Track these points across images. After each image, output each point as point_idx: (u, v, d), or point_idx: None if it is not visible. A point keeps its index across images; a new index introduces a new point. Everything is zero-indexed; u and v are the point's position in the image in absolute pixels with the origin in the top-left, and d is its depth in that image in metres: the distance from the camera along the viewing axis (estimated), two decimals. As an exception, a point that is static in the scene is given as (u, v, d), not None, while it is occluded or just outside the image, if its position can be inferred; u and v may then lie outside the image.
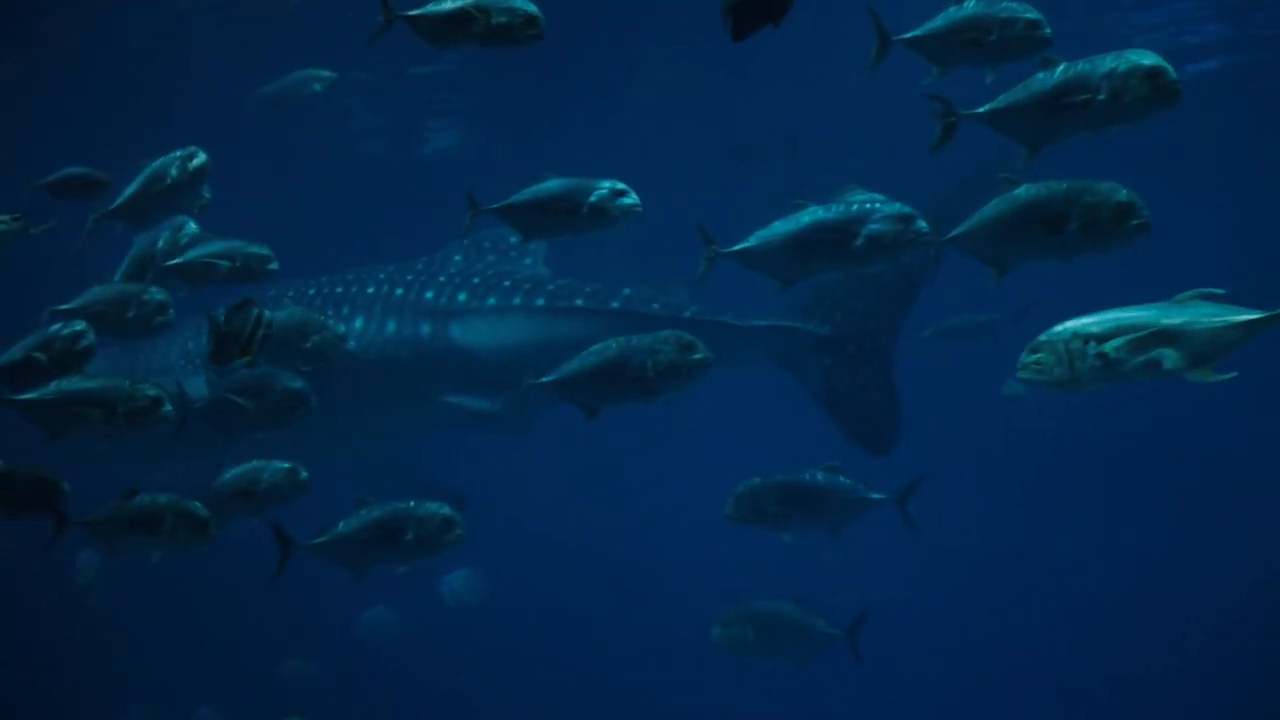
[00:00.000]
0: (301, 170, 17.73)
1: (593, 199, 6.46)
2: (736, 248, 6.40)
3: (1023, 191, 5.74)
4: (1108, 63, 5.42)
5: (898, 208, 6.13)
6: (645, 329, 10.04)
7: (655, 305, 10.60)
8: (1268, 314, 5.05)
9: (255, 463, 7.32)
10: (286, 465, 7.26)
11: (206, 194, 7.80)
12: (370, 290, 11.03)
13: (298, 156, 17.17)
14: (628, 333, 10.24)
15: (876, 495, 8.03)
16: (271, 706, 13.72)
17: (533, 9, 5.93)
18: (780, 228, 6.32)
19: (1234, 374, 5.09)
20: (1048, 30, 5.82)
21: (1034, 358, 5.28)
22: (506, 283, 10.90)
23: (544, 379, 6.77)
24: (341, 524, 7.26)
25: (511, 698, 17.02)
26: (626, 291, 10.72)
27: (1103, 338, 5.15)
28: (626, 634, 18.18)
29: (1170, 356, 5.10)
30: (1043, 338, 5.28)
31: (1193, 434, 22.17)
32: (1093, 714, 17.42)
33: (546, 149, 17.55)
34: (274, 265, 7.44)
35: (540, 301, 10.67)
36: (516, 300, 10.75)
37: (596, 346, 6.74)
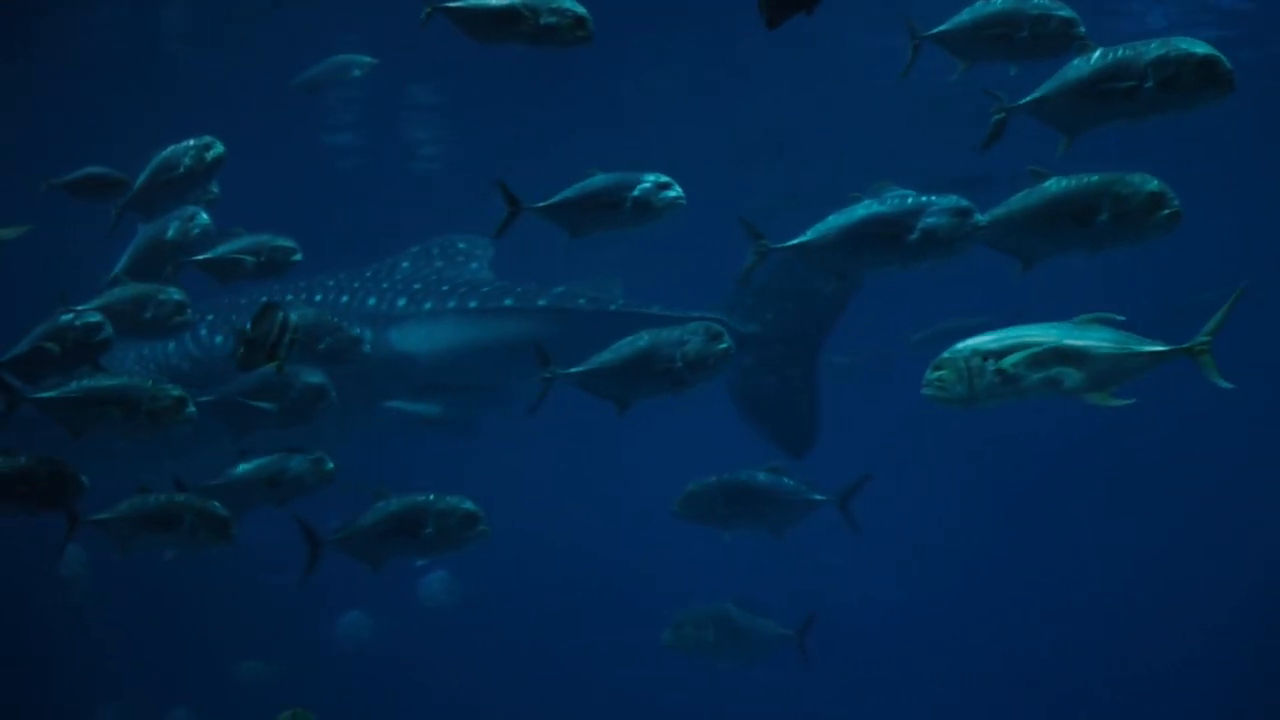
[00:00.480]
0: (292, 174, 17.66)
1: (636, 193, 6.36)
2: (790, 243, 6.23)
3: (1052, 184, 5.71)
4: (1154, 50, 5.34)
5: (954, 201, 5.94)
6: (572, 324, 10.54)
7: (582, 300, 10.76)
8: (1171, 348, 5.21)
9: (280, 452, 7.27)
10: (313, 455, 7.20)
11: (214, 188, 7.75)
12: (318, 298, 11.15)
13: (289, 161, 17.11)
14: (557, 329, 10.62)
15: (819, 496, 8.07)
16: (247, 707, 13.69)
17: (582, 10, 5.83)
18: (834, 221, 6.13)
19: (1133, 400, 5.21)
20: (1083, 28, 5.76)
21: (936, 375, 5.36)
22: (445, 287, 11.09)
23: (572, 370, 6.69)
24: (360, 518, 7.22)
25: (505, 699, 16.99)
26: (558, 289, 10.90)
27: (1000, 354, 5.26)
28: (611, 633, 18.17)
29: (1071, 376, 5.22)
30: (945, 355, 5.36)
31: (1196, 434, 22.24)
32: (1093, 714, 17.47)
33: (534, 153, 17.58)
34: (298, 257, 7.41)
35: (473, 304, 10.87)
36: (451, 304, 10.92)
37: (625, 339, 6.67)
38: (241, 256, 7.34)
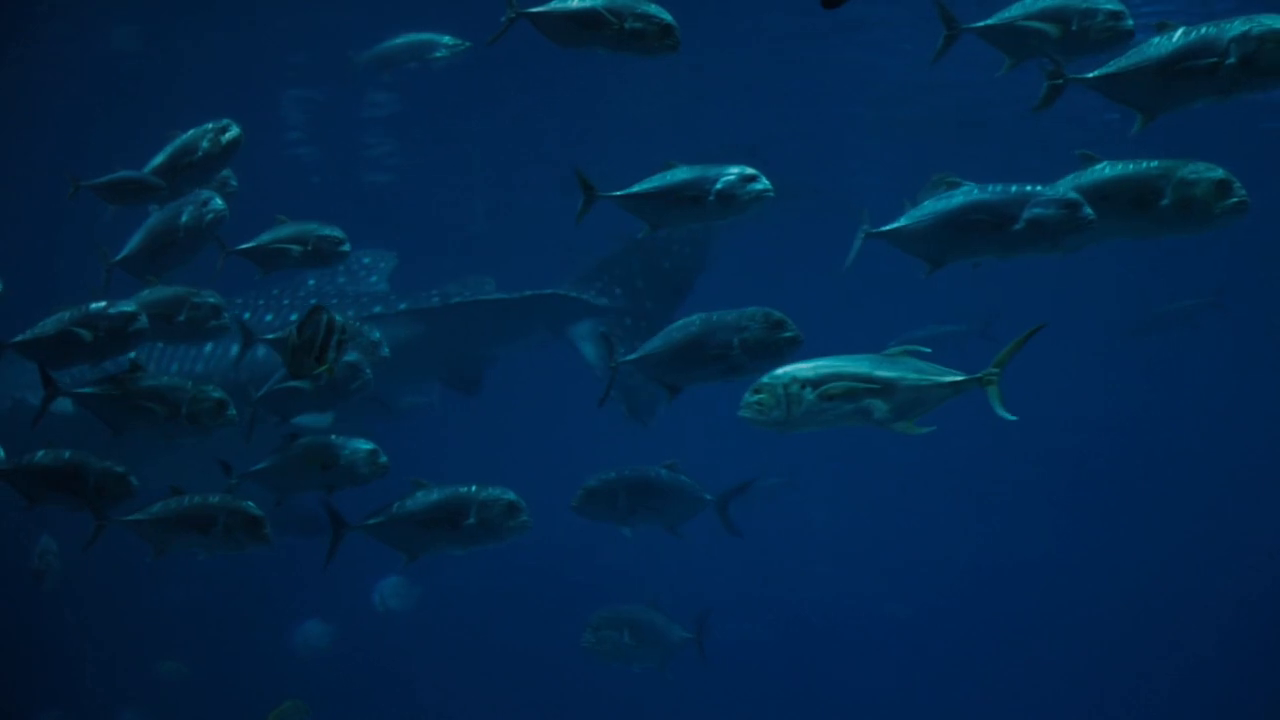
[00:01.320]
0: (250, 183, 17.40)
1: (719, 185, 6.22)
2: (888, 227, 6.08)
3: (1104, 167, 5.70)
4: (1237, 26, 5.30)
5: (1062, 192, 5.74)
6: (427, 321, 11.15)
7: (435, 299, 11.31)
8: (967, 377, 5.45)
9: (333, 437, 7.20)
10: (369, 445, 7.12)
11: (234, 181, 7.66)
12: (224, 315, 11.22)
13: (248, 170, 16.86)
14: (418, 328, 11.05)
15: (707, 496, 8.21)
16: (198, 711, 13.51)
17: (668, 17, 5.75)
18: (931, 207, 5.97)
19: (934, 428, 5.46)
20: (1130, 22, 5.74)
21: (755, 398, 5.58)
22: (334, 299, 11.46)
23: (630, 357, 6.61)
24: (397, 505, 7.16)
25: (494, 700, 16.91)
26: (425, 292, 11.44)
27: (818, 384, 5.50)
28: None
29: (879, 407, 5.46)
30: (765, 380, 5.59)
31: (1207, 432, 22.55)
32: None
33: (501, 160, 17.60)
34: (346, 248, 7.30)
35: (350, 313, 11.21)
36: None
37: (680, 323, 6.54)
38: (287, 246, 7.24)
